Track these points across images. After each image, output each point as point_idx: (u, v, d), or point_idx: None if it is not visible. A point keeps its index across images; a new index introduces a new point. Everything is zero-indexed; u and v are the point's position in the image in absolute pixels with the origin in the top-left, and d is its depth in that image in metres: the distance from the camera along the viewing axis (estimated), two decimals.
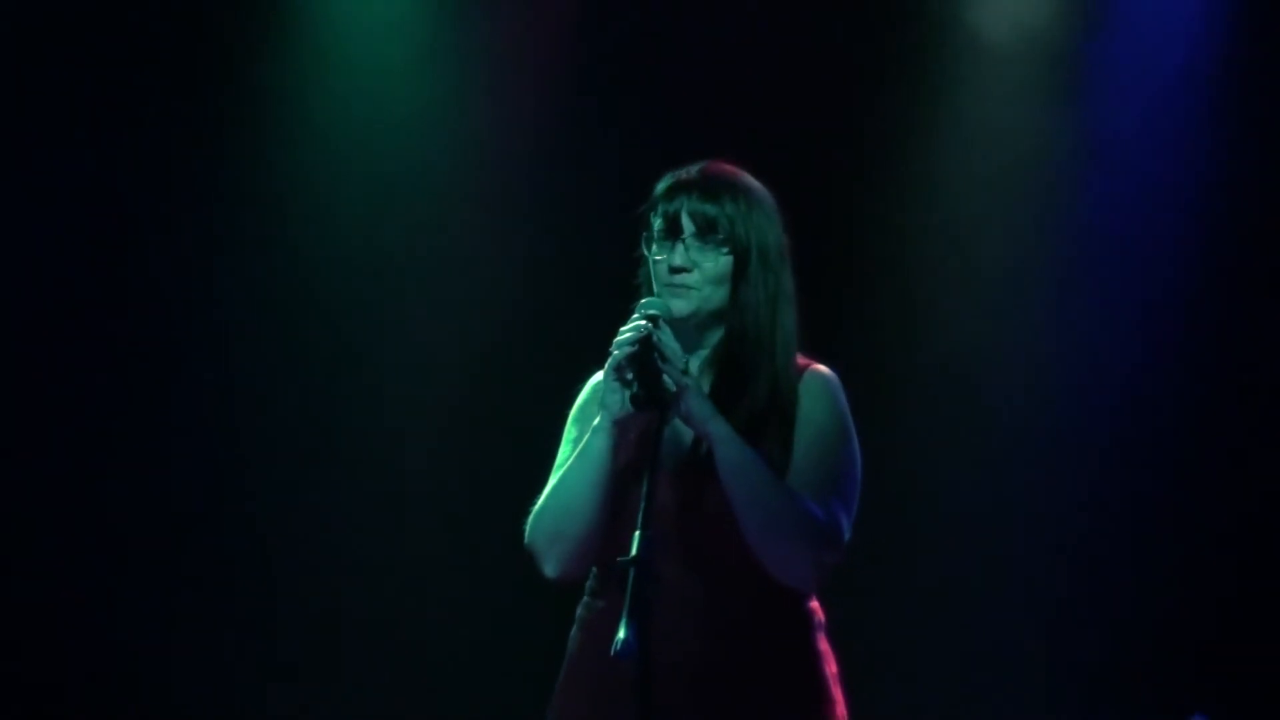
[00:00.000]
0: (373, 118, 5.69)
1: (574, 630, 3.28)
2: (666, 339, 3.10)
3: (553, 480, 3.25)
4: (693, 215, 3.23)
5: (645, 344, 3.07)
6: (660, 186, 3.29)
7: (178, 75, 5.65)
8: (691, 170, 3.29)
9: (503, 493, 3.60)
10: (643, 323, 3.10)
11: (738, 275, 3.23)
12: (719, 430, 3.09)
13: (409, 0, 5.75)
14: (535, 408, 3.58)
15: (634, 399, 3.11)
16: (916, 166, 5.57)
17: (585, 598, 3.28)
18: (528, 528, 3.24)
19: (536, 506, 3.24)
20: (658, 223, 3.26)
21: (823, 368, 3.30)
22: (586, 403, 3.34)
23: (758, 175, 3.33)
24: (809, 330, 3.32)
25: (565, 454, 3.30)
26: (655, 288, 3.25)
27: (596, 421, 3.15)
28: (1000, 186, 5.51)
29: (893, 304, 5.58)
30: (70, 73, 5.61)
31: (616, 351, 3.09)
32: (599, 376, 3.25)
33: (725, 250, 3.23)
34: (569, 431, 3.35)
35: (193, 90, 5.66)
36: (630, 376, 3.09)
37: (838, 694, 3.23)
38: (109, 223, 5.70)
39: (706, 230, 3.23)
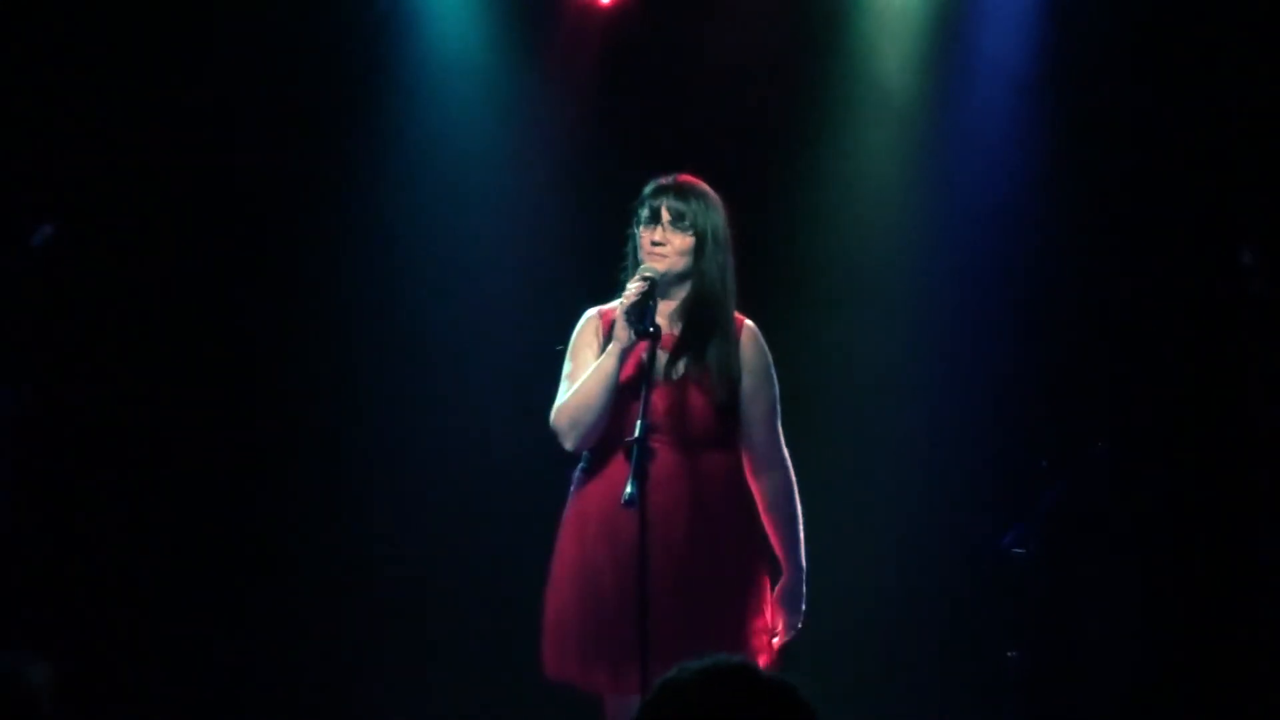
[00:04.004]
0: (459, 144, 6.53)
1: (575, 483, 4.66)
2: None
3: (566, 384, 4.60)
4: (669, 208, 4.64)
5: (646, 294, 4.48)
6: (648, 188, 4.69)
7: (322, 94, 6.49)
8: (670, 177, 4.71)
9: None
10: (643, 283, 4.49)
11: (698, 251, 4.63)
12: None
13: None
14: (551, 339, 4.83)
15: (639, 333, 4.46)
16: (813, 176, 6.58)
17: (582, 464, 4.66)
18: (551, 416, 4.60)
19: (557, 403, 4.60)
20: (645, 212, 4.66)
21: (750, 322, 4.71)
22: (583, 329, 4.70)
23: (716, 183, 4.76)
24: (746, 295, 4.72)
25: (568, 366, 4.64)
26: (640, 255, 4.62)
27: (611, 347, 4.51)
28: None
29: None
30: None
31: (628, 303, 4.48)
32: (590, 313, 4.67)
33: (689, 232, 4.63)
34: (571, 348, 4.68)
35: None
36: (636, 317, 4.46)
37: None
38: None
39: (677, 219, 4.64)
